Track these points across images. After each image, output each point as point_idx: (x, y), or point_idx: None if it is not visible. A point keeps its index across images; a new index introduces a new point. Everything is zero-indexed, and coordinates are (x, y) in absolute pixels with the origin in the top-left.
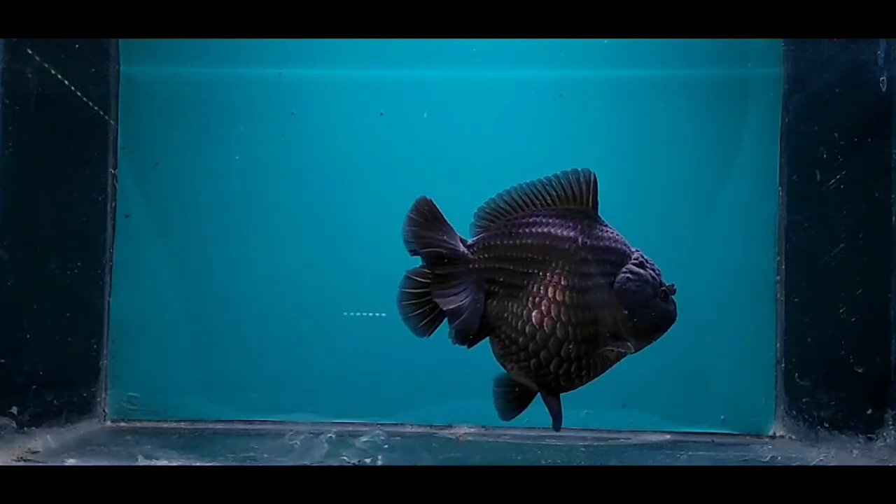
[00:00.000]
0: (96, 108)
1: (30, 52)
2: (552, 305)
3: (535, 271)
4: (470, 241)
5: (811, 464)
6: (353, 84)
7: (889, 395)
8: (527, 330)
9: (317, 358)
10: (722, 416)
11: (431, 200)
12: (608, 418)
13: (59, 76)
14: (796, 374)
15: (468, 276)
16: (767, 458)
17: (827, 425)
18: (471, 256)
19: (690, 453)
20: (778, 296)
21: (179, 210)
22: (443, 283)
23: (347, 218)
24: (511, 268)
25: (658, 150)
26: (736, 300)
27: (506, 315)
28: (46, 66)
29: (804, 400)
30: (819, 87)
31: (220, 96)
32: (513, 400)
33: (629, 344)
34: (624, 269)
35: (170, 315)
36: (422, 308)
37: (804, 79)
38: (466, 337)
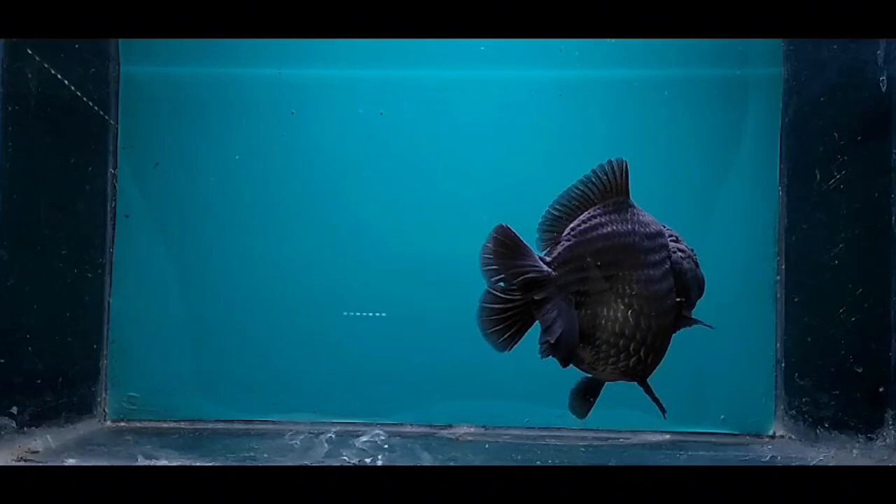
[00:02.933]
0: (96, 108)
1: (30, 52)
2: (641, 301)
3: (616, 273)
4: (548, 258)
5: (811, 464)
6: (353, 84)
7: (889, 395)
8: (626, 332)
9: (317, 358)
10: (722, 416)
11: (509, 227)
12: (608, 418)
13: (59, 76)
14: (796, 374)
15: (557, 295)
16: (767, 458)
17: (827, 425)
18: (556, 274)
19: (690, 453)
20: (778, 296)
21: (179, 210)
22: (541, 308)
23: (347, 218)
24: (593, 275)
25: (658, 150)
26: (736, 300)
27: (599, 321)
28: (46, 66)
29: (804, 400)
30: (819, 87)
31: (220, 96)
32: (588, 399)
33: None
34: (672, 249)
35: (170, 315)
36: (503, 323)
37: (804, 79)
38: (573, 355)
